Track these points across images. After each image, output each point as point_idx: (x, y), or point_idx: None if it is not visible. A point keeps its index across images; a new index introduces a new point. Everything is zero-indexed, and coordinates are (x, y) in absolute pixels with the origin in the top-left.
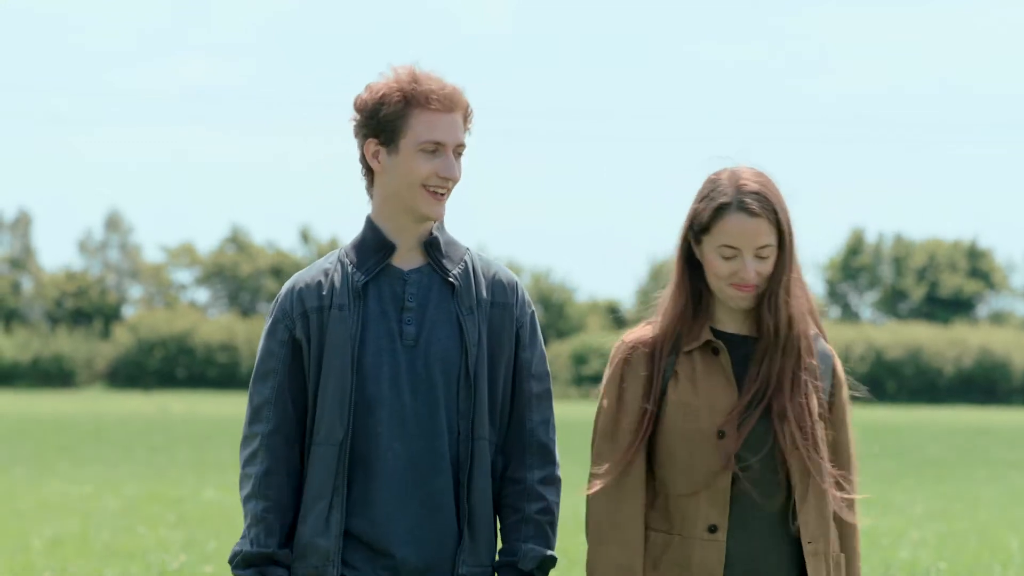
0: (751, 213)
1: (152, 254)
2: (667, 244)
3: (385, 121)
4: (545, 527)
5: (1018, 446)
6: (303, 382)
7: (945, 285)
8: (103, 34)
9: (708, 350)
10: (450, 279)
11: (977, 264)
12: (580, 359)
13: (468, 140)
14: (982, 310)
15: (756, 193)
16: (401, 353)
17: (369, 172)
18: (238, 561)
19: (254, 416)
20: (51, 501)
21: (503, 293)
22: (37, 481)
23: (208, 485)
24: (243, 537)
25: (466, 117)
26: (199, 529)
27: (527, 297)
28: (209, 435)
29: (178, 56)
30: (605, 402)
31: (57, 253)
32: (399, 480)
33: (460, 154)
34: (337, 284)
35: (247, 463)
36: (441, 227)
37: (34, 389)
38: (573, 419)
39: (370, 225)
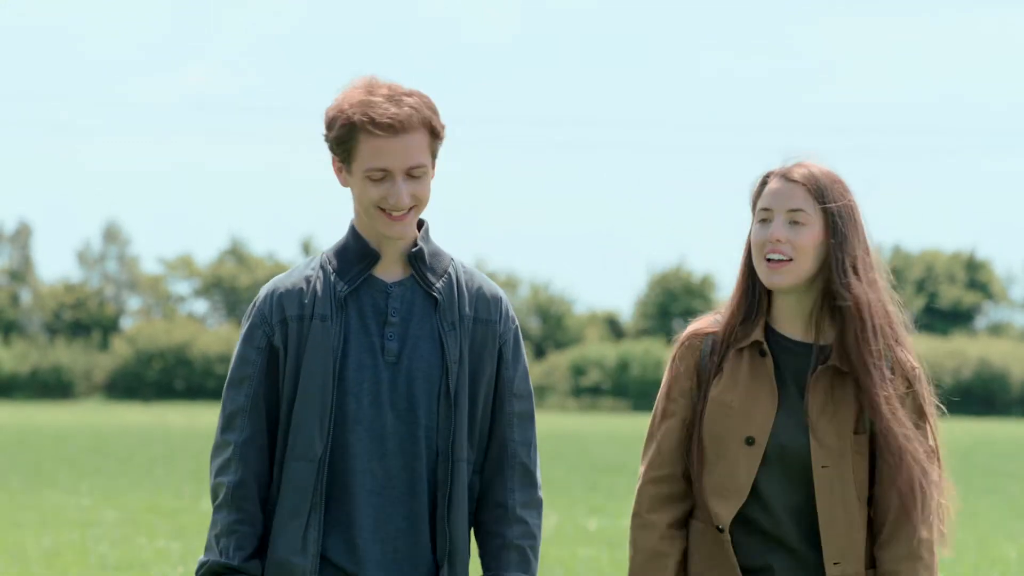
0: (789, 179)
1: (150, 266)
2: (667, 255)
3: (337, 143)
4: (527, 552)
5: (1017, 457)
6: (278, 391)
7: (944, 296)
8: (103, 44)
9: (756, 351)
10: (433, 293)
11: (976, 275)
12: (579, 370)
13: (449, 150)
14: (981, 322)
15: (807, 167)
16: (383, 369)
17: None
18: (204, 572)
19: (227, 424)
20: (49, 512)
21: (486, 309)
22: (35, 492)
23: (206, 497)
24: (209, 548)
25: (432, 132)
26: (197, 541)
27: (511, 312)
28: (207, 446)
29: (178, 67)
30: (660, 391)
31: (56, 265)
32: (376, 502)
33: (418, 175)
34: (319, 292)
35: (219, 472)
36: (427, 236)
37: (33, 401)
38: (571, 430)
39: (353, 232)
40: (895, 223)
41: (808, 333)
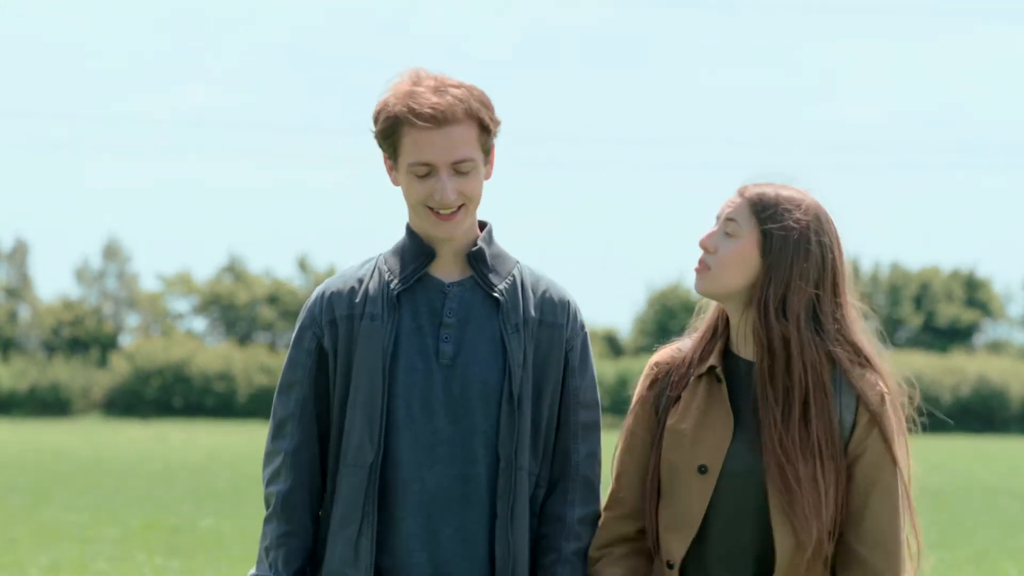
0: (740, 192)
1: (149, 283)
2: (667, 272)
3: (383, 138)
4: (580, 568)
5: (1016, 475)
6: (328, 396)
7: (942, 314)
8: (102, 61)
9: (713, 376)
10: (495, 294)
11: (974, 293)
12: None
13: (498, 143)
14: (979, 339)
15: (763, 188)
16: (436, 372)
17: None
18: None
19: (277, 431)
20: (48, 529)
21: (553, 312)
22: (34, 510)
23: (205, 514)
24: (259, 561)
25: (481, 126)
26: (196, 558)
27: (580, 318)
28: (206, 464)
29: (177, 84)
30: (623, 426)
31: (54, 282)
32: (426, 512)
33: (466, 171)
34: (371, 291)
35: (271, 481)
36: (489, 238)
37: (31, 418)
38: None
39: (408, 231)
40: (894, 240)
41: (749, 352)
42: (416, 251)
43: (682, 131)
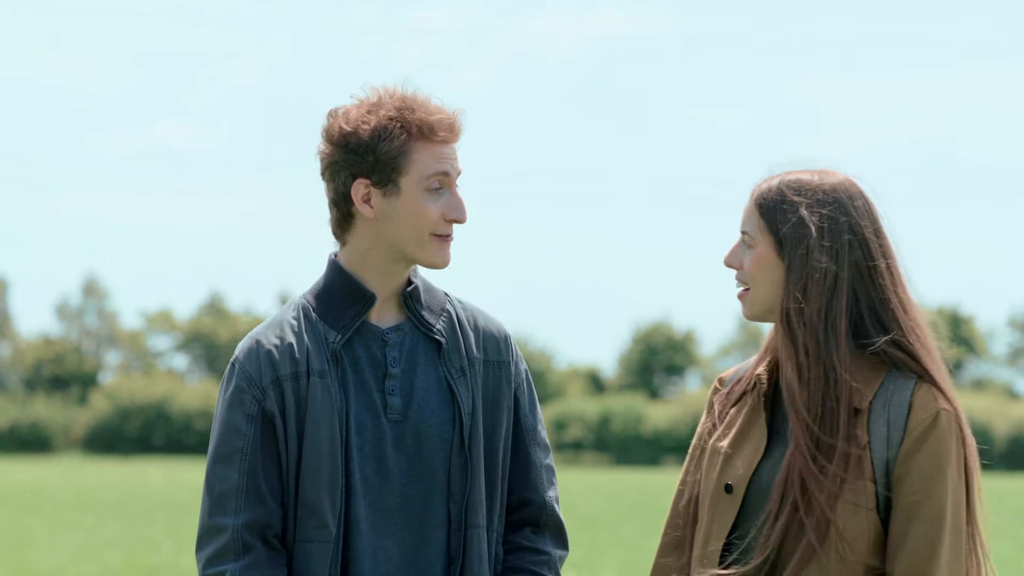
0: (751, 196)
1: (130, 320)
2: (651, 310)
3: (384, 159)
4: None
5: (1001, 512)
6: (279, 463)
7: None
8: (80, 98)
9: (757, 392)
10: (435, 336)
11: (959, 331)
12: (560, 425)
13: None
14: (964, 377)
15: (769, 182)
16: (387, 430)
17: (348, 216)
18: None
19: (218, 506)
20: (28, 568)
21: (496, 348)
22: (14, 549)
23: (186, 553)
24: None
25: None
26: None
27: (519, 352)
28: (187, 502)
29: (156, 120)
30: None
31: (34, 319)
32: None
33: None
34: (310, 344)
35: (213, 561)
36: (416, 271)
37: (11, 455)
38: None
39: (339, 271)
40: None
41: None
42: (353, 295)
43: (666, 167)
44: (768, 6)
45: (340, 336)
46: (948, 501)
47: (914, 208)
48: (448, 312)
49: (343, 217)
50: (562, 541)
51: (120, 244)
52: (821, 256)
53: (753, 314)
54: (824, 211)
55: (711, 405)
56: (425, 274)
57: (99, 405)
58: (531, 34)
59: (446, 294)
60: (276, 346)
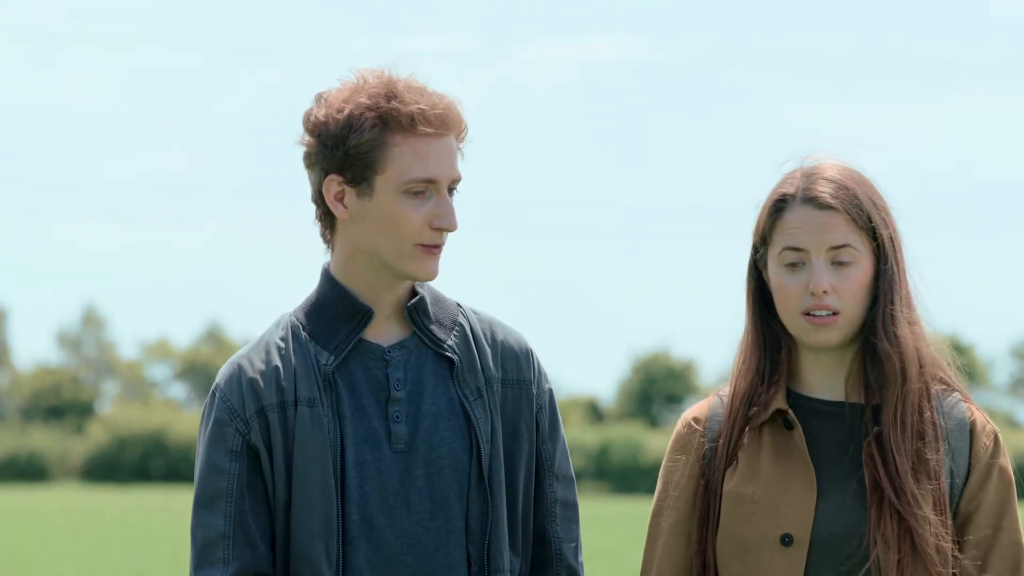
0: (820, 205)
1: (127, 350)
2: (650, 339)
3: (355, 153)
4: None
5: None
6: (267, 504)
7: None
8: (79, 126)
9: (780, 423)
10: (446, 353)
11: (959, 360)
12: None
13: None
14: None
15: (832, 180)
16: (391, 462)
17: (328, 215)
18: None
19: (203, 557)
20: None
21: (517, 365)
22: None
23: None
24: None
25: (460, 139)
26: None
27: (543, 368)
28: (185, 532)
29: (153, 148)
30: (654, 505)
31: (32, 348)
32: None
33: (454, 192)
34: (299, 368)
35: None
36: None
37: (8, 484)
38: None
39: (331, 283)
40: None
41: (847, 391)
42: (348, 310)
43: (665, 197)
44: (763, 32)
45: (333, 358)
46: (1019, 526)
47: (914, 236)
48: (461, 325)
49: (324, 215)
50: None
51: (117, 272)
52: (897, 262)
53: (841, 342)
54: (880, 203)
55: (691, 446)
56: (433, 282)
57: (96, 434)
58: (521, 60)
59: (459, 304)
60: (261, 372)
